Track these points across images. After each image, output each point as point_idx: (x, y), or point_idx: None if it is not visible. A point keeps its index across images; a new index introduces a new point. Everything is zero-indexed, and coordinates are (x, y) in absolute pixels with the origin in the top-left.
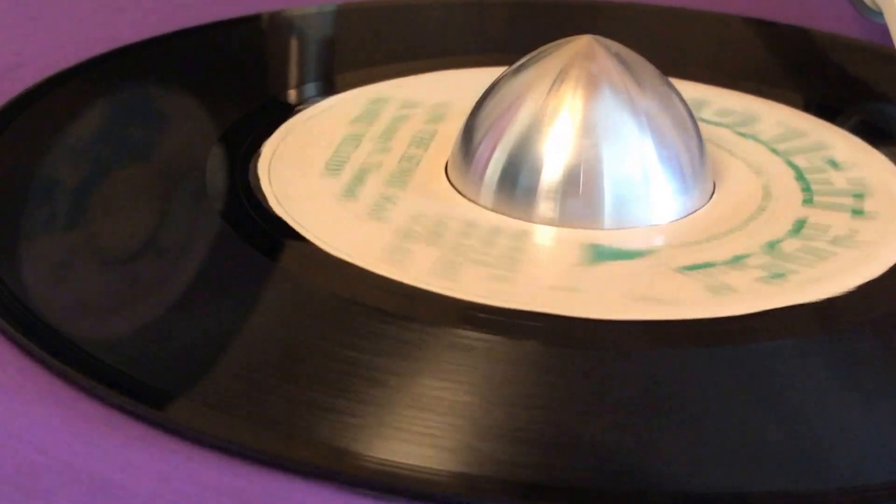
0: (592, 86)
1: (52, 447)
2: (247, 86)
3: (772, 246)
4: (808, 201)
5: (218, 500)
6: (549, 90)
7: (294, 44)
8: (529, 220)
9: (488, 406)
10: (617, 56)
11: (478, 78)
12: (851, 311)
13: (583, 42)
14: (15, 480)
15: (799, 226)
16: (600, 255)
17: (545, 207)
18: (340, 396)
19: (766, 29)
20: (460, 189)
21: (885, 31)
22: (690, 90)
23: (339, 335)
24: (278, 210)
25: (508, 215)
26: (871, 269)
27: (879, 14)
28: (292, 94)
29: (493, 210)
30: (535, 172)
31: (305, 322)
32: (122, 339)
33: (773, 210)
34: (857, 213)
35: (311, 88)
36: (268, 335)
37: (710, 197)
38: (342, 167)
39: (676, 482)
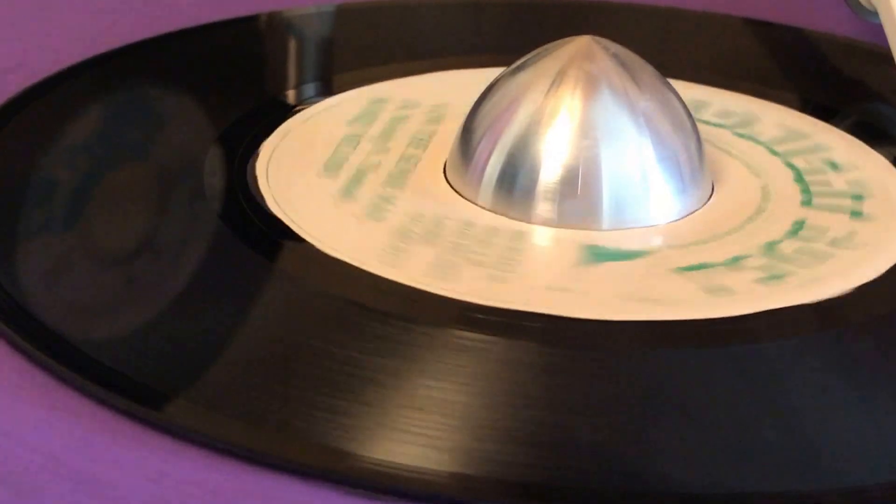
0: (591, 86)
1: (47, 446)
2: (245, 86)
3: (770, 247)
4: (806, 203)
5: (215, 500)
6: (548, 90)
7: (293, 44)
8: (528, 220)
9: (486, 406)
10: (616, 56)
11: (476, 78)
12: (850, 311)
13: (582, 42)
14: (9, 480)
15: (797, 227)
16: (598, 256)
17: (543, 208)
18: (338, 397)
19: (763, 30)
20: (459, 189)
21: (881, 31)
22: (689, 91)
23: (337, 335)
24: (276, 210)
25: (507, 216)
26: (870, 270)
27: (875, 14)
28: (291, 95)
29: (491, 210)
30: (534, 173)
31: (303, 322)
32: (120, 339)
33: (772, 211)
34: (856, 214)
35: (309, 89)
36: (265, 335)
37: (709, 198)
38: (340, 168)
39: (674, 482)
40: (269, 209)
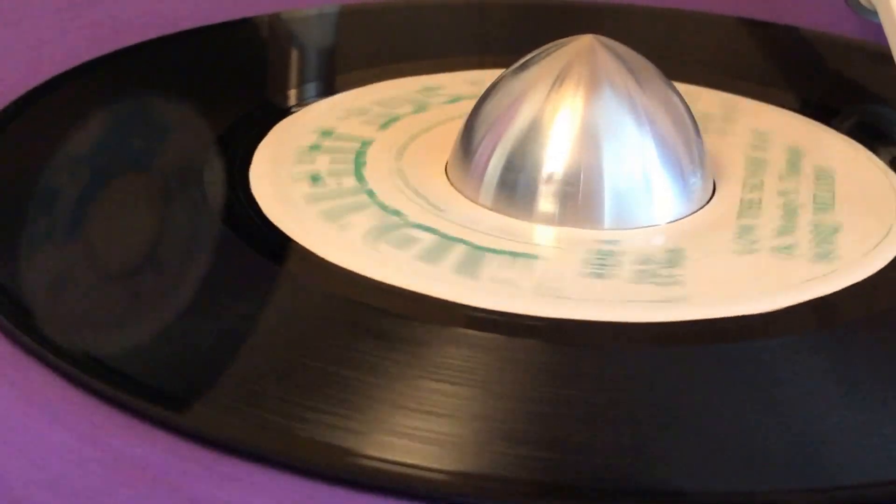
0: (593, 85)
1: (56, 447)
2: (246, 88)
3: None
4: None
5: (219, 499)
6: (550, 90)
7: (293, 46)
8: (529, 219)
9: (488, 406)
10: (618, 56)
11: (478, 78)
12: (850, 309)
13: (584, 42)
14: (20, 481)
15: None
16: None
17: (545, 207)
18: (341, 396)
19: (763, 30)
20: (460, 189)
21: (880, 30)
22: (690, 91)
23: (339, 336)
24: (277, 213)
25: (508, 215)
26: (869, 268)
27: (875, 14)
28: (291, 96)
29: (492, 210)
30: (535, 172)
31: (305, 324)
32: (123, 342)
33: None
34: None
35: (310, 90)
36: (267, 337)
37: (711, 197)
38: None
39: (676, 481)
40: (269, 212)
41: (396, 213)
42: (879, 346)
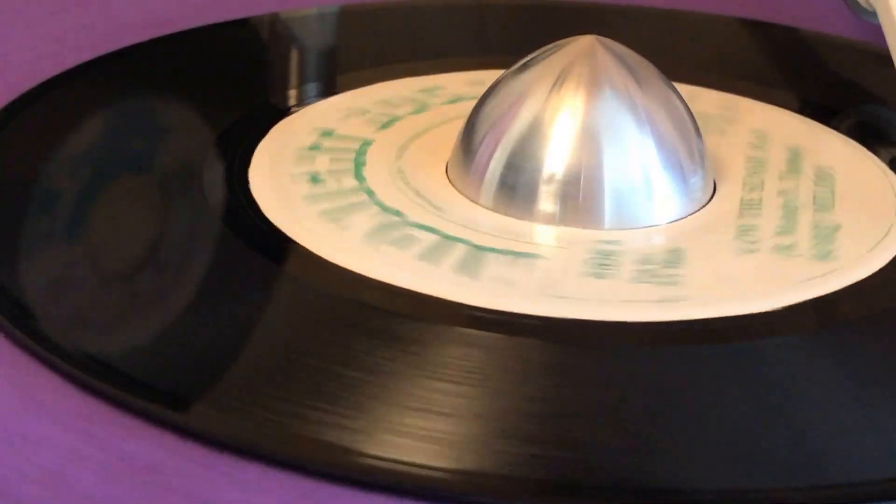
0: (593, 86)
1: (55, 446)
2: (246, 88)
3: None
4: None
5: (218, 499)
6: (551, 90)
7: (293, 46)
8: (530, 220)
9: (488, 405)
10: (618, 56)
11: (479, 79)
12: (849, 308)
13: (584, 42)
14: (18, 481)
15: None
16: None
17: (545, 207)
18: (342, 396)
19: (763, 30)
20: (461, 189)
21: (879, 31)
22: (690, 91)
23: (339, 336)
24: (276, 213)
25: (509, 215)
26: (869, 268)
27: (874, 14)
28: (291, 96)
29: (493, 210)
30: (536, 173)
31: (305, 324)
32: (123, 342)
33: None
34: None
35: (310, 90)
36: (267, 337)
37: (711, 197)
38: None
39: (676, 480)
40: (268, 211)
41: (396, 212)
42: (879, 345)
